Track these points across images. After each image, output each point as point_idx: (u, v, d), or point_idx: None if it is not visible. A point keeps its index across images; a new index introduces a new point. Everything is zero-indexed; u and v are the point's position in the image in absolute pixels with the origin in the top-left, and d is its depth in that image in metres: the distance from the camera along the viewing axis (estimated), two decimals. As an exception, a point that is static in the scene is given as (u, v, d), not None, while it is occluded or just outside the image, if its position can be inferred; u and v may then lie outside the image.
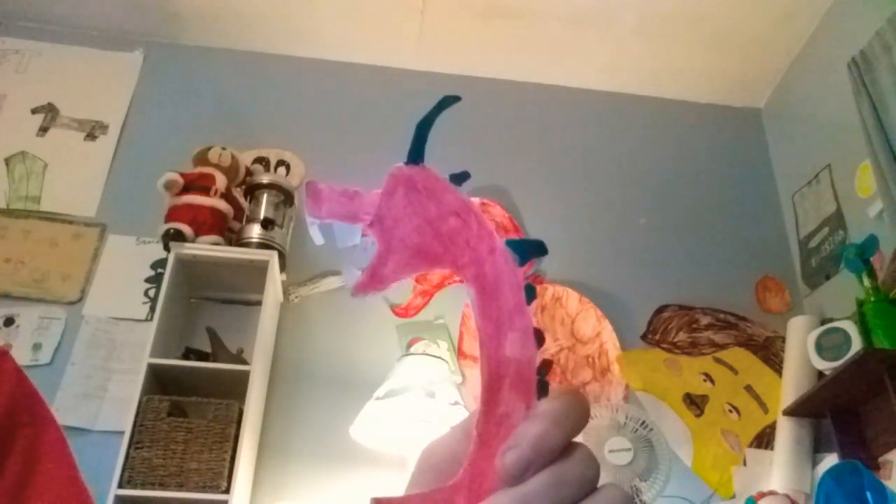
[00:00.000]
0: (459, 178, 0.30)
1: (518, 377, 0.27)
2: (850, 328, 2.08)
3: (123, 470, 1.81)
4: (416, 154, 0.29)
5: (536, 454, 0.26)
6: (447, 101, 0.30)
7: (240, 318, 2.30)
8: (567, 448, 0.26)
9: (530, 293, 0.28)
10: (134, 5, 2.79)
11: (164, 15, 2.81)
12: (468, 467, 0.27)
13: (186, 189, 2.21)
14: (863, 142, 2.18)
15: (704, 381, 2.45)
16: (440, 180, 0.30)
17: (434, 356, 2.12)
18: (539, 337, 0.28)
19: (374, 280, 0.29)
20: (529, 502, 0.25)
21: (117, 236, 2.45)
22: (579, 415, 0.27)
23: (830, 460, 2.10)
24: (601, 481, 0.27)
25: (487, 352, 0.28)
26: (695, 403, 2.40)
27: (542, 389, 0.28)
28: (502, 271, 0.28)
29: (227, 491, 1.83)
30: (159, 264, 2.34)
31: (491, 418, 0.27)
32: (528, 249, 0.29)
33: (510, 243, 0.28)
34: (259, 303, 2.16)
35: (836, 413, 2.15)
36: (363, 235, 0.29)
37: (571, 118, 2.96)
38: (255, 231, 2.26)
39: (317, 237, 0.30)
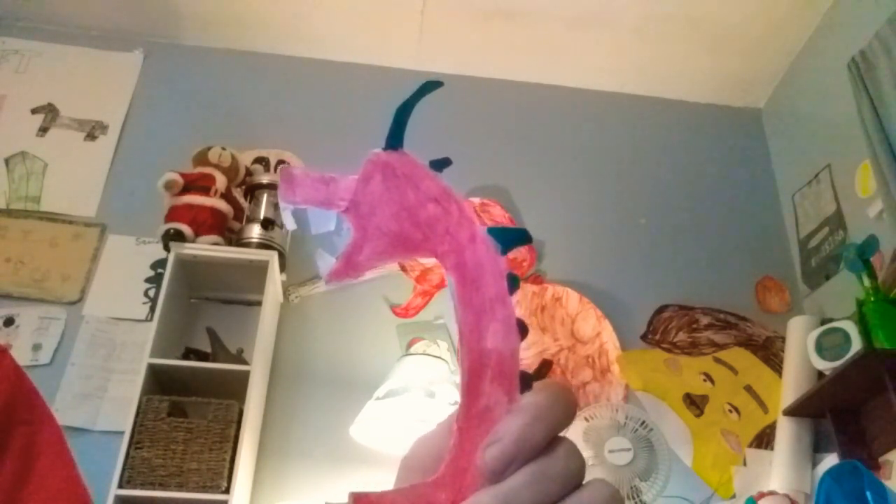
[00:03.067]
0: (440, 164, 0.29)
1: (500, 369, 0.26)
2: (850, 328, 2.08)
3: (123, 470, 1.81)
4: (394, 139, 0.29)
5: (518, 449, 0.25)
6: (428, 87, 0.29)
7: (240, 318, 2.30)
8: (551, 443, 0.26)
9: (513, 283, 0.27)
10: (134, 5, 2.79)
11: (164, 15, 2.81)
12: (449, 462, 0.26)
13: (186, 189, 2.21)
14: (863, 142, 2.18)
15: (704, 381, 2.44)
16: (419, 166, 0.28)
17: (434, 356, 2.12)
18: (522, 328, 0.27)
19: (348, 267, 0.28)
20: (511, 500, 0.25)
21: (117, 236, 2.45)
22: (564, 408, 0.26)
23: (830, 460, 2.10)
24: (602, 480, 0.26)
25: (468, 343, 0.27)
26: (695, 403, 2.40)
27: (526, 382, 0.27)
28: (483, 260, 0.27)
29: (227, 491, 1.83)
30: (159, 264, 2.34)
31: (472, 412, 0.26)
32: (511, 237, 0.28)
33: (492, 231, 0.28)
34: (259, 303, 2.16)
35: (836, 413, 2.15)
36: (339, 221, 0.29)
37: (571, 118, 2.96)
38: (255, 231, 2.26)
39: (289, 223, 0.29)
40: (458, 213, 0.28)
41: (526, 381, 0.27)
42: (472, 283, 0.27)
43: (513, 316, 0.27)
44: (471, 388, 0.27)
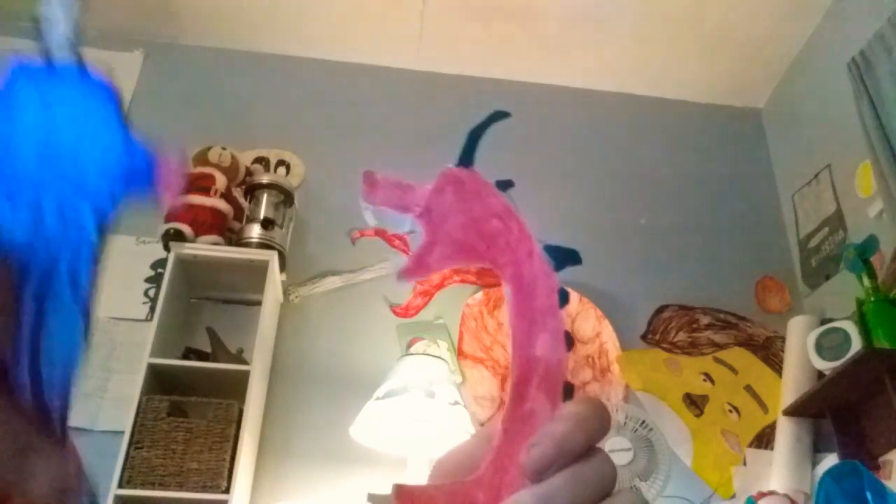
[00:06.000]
0: (504, 184, 0.32)
1: (546, 377, 0.28)
2: (850, 328, 2.08)
3: (123, 470, 1.81)
4: (466, 159, 0.32)
5: (559, 452, 0.27)
6: (498, 116, 0.33)
7: (240, 318, 2.30)
8: (587, 451, 0.27)
9: (563, 297, 0.30)
10: (134, 5, 2.79)
11: (164, 15, 2.81)
12: (492, 462, 0.28)
13: (186, 189, 2.21)
14: (863, 142, 2.18)
15: (704, 381, 2.45)
16: (486, 184, 0.32)
17: (434, 356, 2.12)
18: (569, 340, 0.29)
19: (418, 267, 0.30)
20: (551, 499, 0.26)
21: (117, 236, 2.45)
22: (601, 422, 0.28)
23: (830, 460, 2.10)
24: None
25: (519, 349, 0.29)
26: (695, 403, 2.40)
27: (567, 393, 0.29)
28: (538, 274, 0.30)
29: (227, 491, 1.83)
30: (159, 264, 2.34)
31: (517, 414, 0.28)
32: (564, 257, 0.31)
33: (548, 249, 0.30)
34: (259, 303, 2.16)
35: (836, 413, 2.15)
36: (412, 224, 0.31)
37: (571, 118, 2.96)
38: (255, 231, 2.26)
39: (370, 220, 0.32)
40: (518, 230, 0.31)
41: (568, 391, 0.29)
42: (526, 295, 0.30)
43: (561, 329, 0.29)
44: (518, 392, 0.29)
